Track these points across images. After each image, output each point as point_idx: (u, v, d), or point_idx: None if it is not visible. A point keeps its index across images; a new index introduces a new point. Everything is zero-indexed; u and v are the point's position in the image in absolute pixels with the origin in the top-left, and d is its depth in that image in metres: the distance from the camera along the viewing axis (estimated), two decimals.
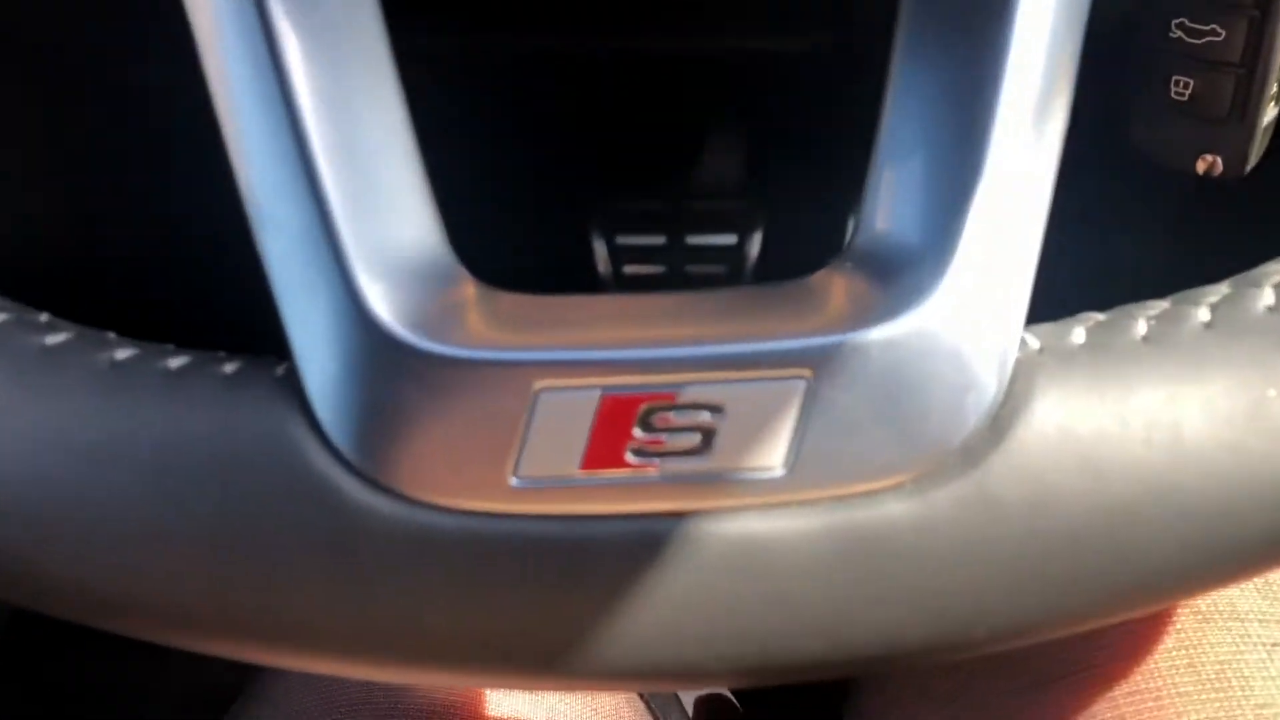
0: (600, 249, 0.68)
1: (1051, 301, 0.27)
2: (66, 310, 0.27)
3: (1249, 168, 0.47)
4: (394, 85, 0.25)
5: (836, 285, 0.24)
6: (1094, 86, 0.35)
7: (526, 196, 0.68)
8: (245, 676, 0.51)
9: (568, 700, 0.48)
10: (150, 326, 0.31)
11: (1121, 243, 0.59)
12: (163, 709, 0.68)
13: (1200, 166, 0.52)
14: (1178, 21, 0.50)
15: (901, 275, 0.24)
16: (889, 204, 0.24)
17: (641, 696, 0.53)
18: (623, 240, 0.69)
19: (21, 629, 0.63)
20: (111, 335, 0.26)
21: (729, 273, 0.70)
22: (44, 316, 0.26)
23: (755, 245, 0.69)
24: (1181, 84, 0.51)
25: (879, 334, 0.23)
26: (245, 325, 0.32)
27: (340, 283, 0.23)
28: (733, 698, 0.62)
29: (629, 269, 0.69)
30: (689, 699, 0.58)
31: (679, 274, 0.70)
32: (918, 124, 0.24)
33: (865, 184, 0.25)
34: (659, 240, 0.69)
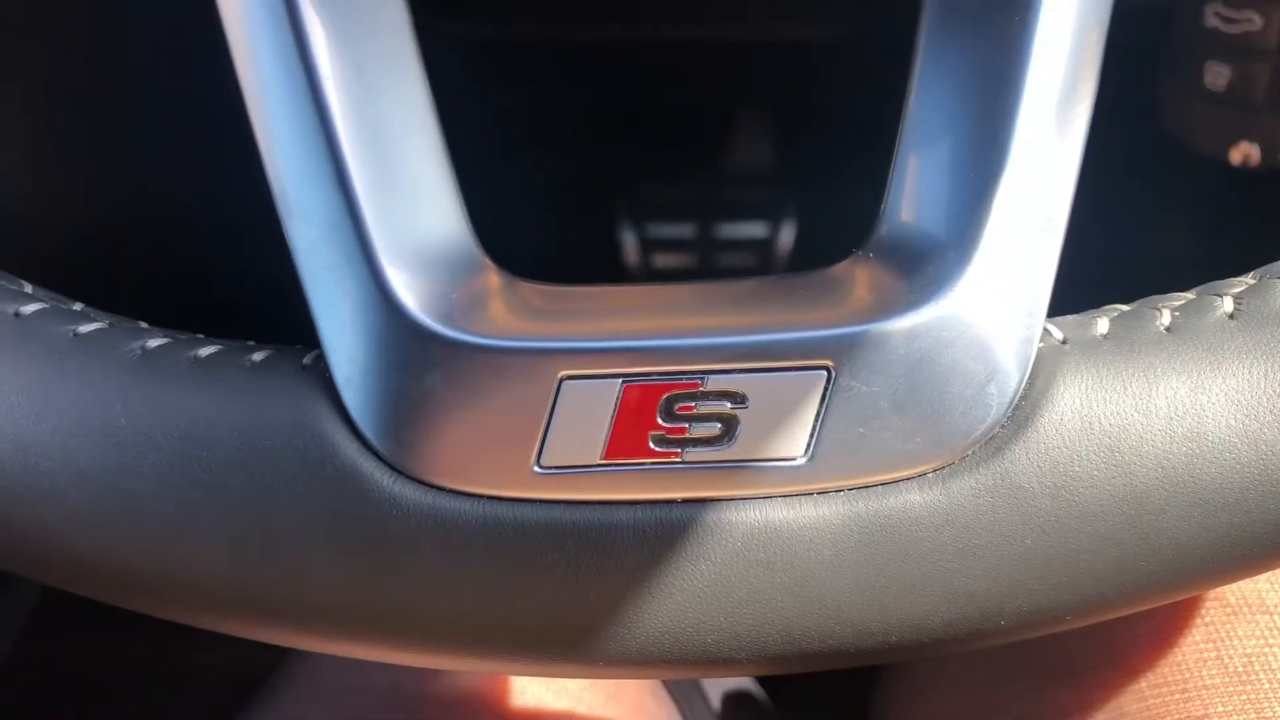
0: (630, 240, 0.68)
1: (1077, 291, 0.27)
2: (103, 301, 0.28)
3: None
4: (420, 76, 0.25)
5: (859, 276, 0.25)
6: (1125, 74, 0.35)
7: (558, 187, 0.68)
8: (275, 659, 0.52)
9: (590, 689, 0.48)
10: (182, 316, 0.32)
11: (1150, 232, 0.58)
12: (193, 690, 0.68)
13: (1236, 156, 0.52)
14: (1213, 8, 0.49)
15: (925, 266, 0.24)
16: (913, 195, 0.24)
17: (665, 686, 0.53)
18: (653, 231, 0.69)
19: (52, 609, 0.64)
20: (143, 324, 0.26)
21: (759, 264, 0.70)
22: (78, 306, 0.26)
23: (786, 236, 0.69)
24: (1217, 72, 0.50)
25: (901, 324, 0.23)
26: (276, 314, 0.32)
27: (366, 272, 0.23)
28: (759, 691, 0.62)
29: (659, 260, 0.69)
30: (716, 695, 0.58)
31: (709, 266, 0.71)
32: (941, 115, 0.24)
33: (889, 175, 0.25)
34: (689, 231, 0.69)
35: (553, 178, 0.67)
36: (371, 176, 0.24)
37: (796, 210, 0.68)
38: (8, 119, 0.50)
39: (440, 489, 0.24)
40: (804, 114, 0.67)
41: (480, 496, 0.24)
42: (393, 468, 0.24)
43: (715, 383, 0.23)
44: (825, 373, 0.23)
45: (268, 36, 0.24)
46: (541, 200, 0.67)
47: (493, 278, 0.25)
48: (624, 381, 0.23)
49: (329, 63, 0.24)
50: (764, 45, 0.60)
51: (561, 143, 0.65)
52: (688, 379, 0.23)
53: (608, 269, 0.69)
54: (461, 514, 0.24)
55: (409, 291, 0.24)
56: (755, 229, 0.69)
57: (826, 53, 0.60)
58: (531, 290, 0.25)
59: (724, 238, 0.69)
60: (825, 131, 0.65)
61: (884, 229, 0.25)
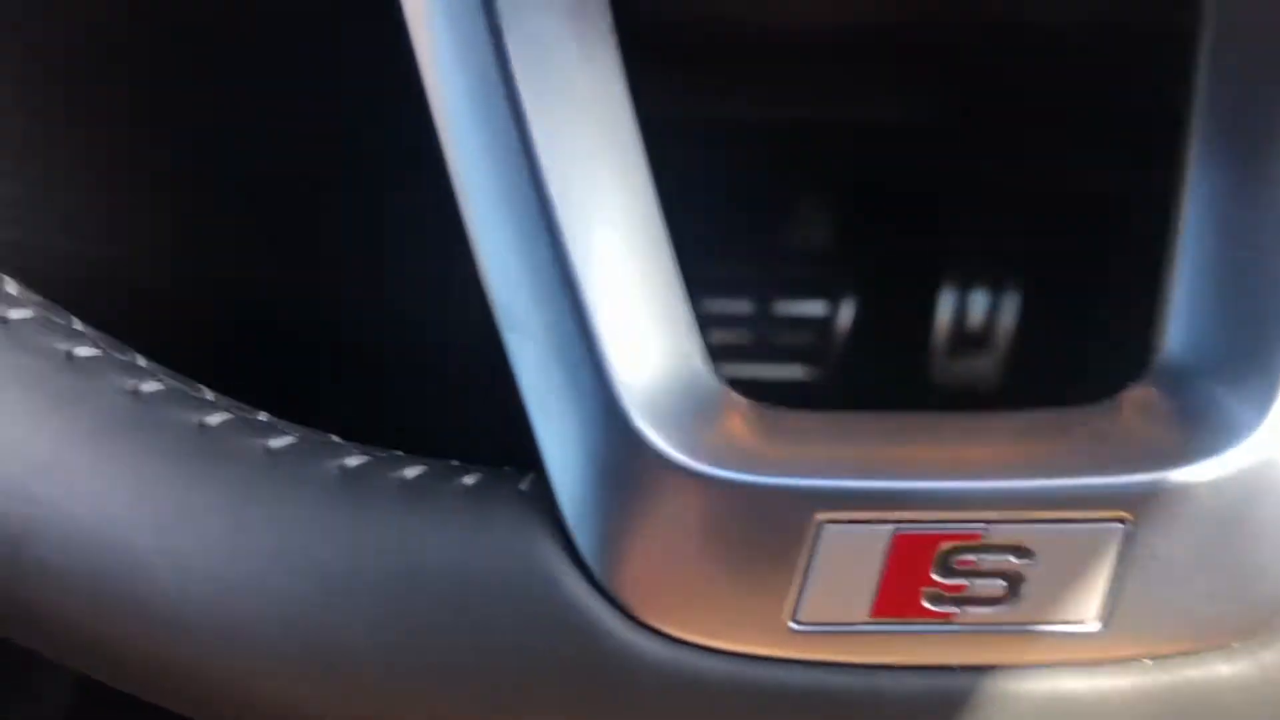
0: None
1: None
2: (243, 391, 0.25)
3: None
4: (646, 177, 0.23)
5: (1146, 413, 0.22)
6: None
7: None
8: None
9: None
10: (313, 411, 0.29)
11: None
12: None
13: None
14: None
15: (1219, 405, 0.21)
16: (1193, 325, 0.22)
17: None
18: (707, 307, 0.67)
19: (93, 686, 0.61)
20: (335, 438, 0.24)
21: (817, 345, 0.68)
22: (263, 416, 0.24)
23: (846, 316, 0.68)
24: None
25: (1203, 473, 0.21)
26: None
27: (601, 398, 0.21)
28: None
29: (714, 337, 0.67)
30: None
31: (765, 344, 0.69)
32: (1217, 242, 0.22)
33: (1162, 301, 0.23)
34: (745, 308, 0.68)
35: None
36: (604, 296, 0.22)
37: (865, 291, 0.67)
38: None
39: (681, 642, 0.21)
40: (874, 193, 0.66)
41: (728, 654, 0.21)
42: (627, 614, 0.21)
43: (998, 534, 0.21)
44: (1121, 526, 0.21)
45: (486, 131, 0.22)
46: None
47: (739, 406, 0.23)
48: (895, 529, 0.21)
49: (554, 169, 0.22)
50: (834, 122, 0.58)
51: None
52: (967, 529, 0.21)
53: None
54: (707, 673, 0.21)
55: (648, 420, 0.21)
56: (821, 309, 0.67)
57: (901, 133, 0.58)
58: (785, 419, 0.23)
59: (789, 318, 0.68)
60: (896, 212, 0.64)
61: (1164, 361, 0.23)
